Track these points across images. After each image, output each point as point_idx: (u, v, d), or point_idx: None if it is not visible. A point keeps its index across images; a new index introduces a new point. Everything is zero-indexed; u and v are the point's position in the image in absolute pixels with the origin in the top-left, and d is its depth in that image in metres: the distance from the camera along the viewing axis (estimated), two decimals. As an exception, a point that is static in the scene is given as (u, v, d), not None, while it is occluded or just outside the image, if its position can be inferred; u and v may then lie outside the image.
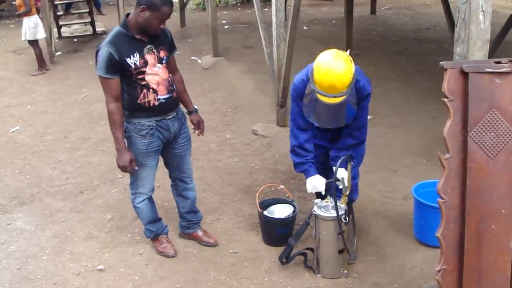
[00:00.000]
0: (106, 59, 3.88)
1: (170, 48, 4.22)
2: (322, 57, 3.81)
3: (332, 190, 4.02)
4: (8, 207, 5.42)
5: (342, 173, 4.08)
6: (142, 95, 4.02)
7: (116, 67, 3.91)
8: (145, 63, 3.99)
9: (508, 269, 3.15)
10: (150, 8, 3.84)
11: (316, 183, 4.19)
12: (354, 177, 4.28)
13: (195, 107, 4.54)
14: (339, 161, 3.99)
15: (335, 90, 3.74)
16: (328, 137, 4.31)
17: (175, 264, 4.43)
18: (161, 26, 3.97)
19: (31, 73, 10.20)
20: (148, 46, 4.01)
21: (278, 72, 6.78)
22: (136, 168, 4.13)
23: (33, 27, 9.94)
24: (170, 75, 4.19)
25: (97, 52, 3.95)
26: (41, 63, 10.24)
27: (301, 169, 4.27)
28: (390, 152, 6.26)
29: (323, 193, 4.20)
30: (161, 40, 4.12)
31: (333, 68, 3.70)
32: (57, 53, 11.34)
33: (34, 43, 10.08)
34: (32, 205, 5.45)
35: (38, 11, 10.15)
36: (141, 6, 3.86)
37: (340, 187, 4.10)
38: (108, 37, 3.98)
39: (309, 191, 4.24)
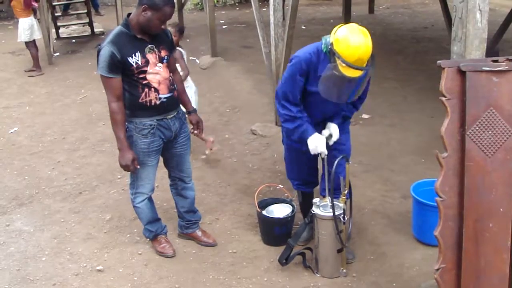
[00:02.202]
0: (108, 58, 3.88)
1: (170, 47, 4.23)
2: (348, 32, 3.75)
3: (330, 191, 4.03)
4: (7, 208, 5.42)
5: (334, 130, 4.15)
6: (143, 94, 4.03)
7: (118, 66, 3.92)
8: (147, 63, 4.00)
9: (506, 268, 3.16)
10: (152, 8, 3.85)
11: (317, 142, 4.11)
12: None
13: (194, 107, 4.55)
14: (336, 161, 3.99)
15: (363, 63, 3.76)
16: (325, 111, 4.25)
17: (174, 264, 4.43)
18: (162, 26, 3.98)
19: (27, 71, 10.20)
20: (149, 46, 4.02)
21: (276, 71, 6.78)
22: (138, 167, 4.14)
23: (27, 28, 9.93)
24: (171, 74, 4.19)
25: (98, 51, 3.95)
26: (36, 65, 10.24)
27: (298, 132, 4.15)
28: (388, 151, 6.26)
29: (326, 152, 4.14)
30: (162, 40, 4.13)
31: (364, 43, 3.71)
32: (55, 54, 11.34)
33: (30, 44, 10.08)
34: (31, 206, 5.45)
35: (34, 12, 10.13)
36: (143, 6, 3.87)
37: (331, 143, 4.15)
38: (109, 37, 3.98)
39: (312, 152, 4.16)
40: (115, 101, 3.99)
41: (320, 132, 4.18)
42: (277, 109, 4.24)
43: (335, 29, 3.84)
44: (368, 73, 3.86)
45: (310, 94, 4.08)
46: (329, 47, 3.82)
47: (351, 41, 3.70)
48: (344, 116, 4.28)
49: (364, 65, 3.77)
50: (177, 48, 5.89)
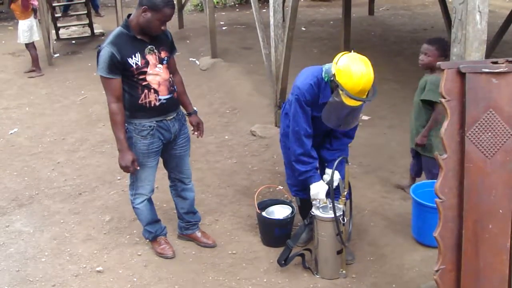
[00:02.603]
0: (108, 59, 3.89)
1: (171, 49, 4.23)
2: (350, 63, 3.76)
3: (330, 192, 4.03)
4: (6, 209, 5.42)
5: (336, 174, 4.12)
6: (143, 95, 4.03)
7: (118, 67, 3.92)
8: (147, 64, 4.00)
9: (506, 269, 3.16)
10: (152, 9, 3.86)
11: (319, 189, 4.16)
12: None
13: (194, 108, 4.55)
14: (336, 162, 4.01)
15: (365, 94, 3.80)
16: (318, 140, 4.31)
17: (173, 265, 4.43)
18: (162, 27, 3.98)
19: (26, 72, 10.22)
20: (149, 47, 4.02)
21: (276, 73, 6.79)
22: (138, 168, 4.14)
23: (26, 30, 9.94)
24: (171, 75, 4.20)
25: (98, 52, 3.96)
26: (36, 66, 10.25)
27: (305, 176, 4.20)
28: (388, 153, 6.26)
29: (324, 200, 4.18)
30: (162, 41, 4.13)
31: (366, 73, 3.73)
32: (55, 55, 11.35)
33: (29, 45, 10.09)
34: (30, 207, 5.44)
35: (34, 13, 10.14)
36: (143, 7, 3.87)
37: (334, 186, 4.12)
38: (109, 38, 3.98)
39: (312, 197, 4.22)
40: (115, 102, 4.00)
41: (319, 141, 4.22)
42: (292, 150, 4.20)
43: (336, 58, 3.86)
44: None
45: (313, 119, 4.13)
46: (331, 78, 3.84)
47: (354, 73, 3.72)
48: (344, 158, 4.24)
49: (366, 95, 3.80)
50: None
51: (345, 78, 3.74)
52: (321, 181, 4.19)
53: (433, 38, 5.01)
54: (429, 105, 4.82)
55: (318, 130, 4.18)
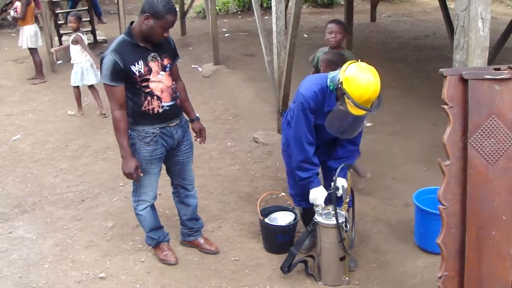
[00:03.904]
0: (111, 67, 3.90)
1: (173, 56, 4.24)
2: (359, 71, 3.75)
3: (333, 198, 4.03)
4: (9, 215, 5.42)
5: (341, 182, 4.10)
6: (146, 102, 4.04)
7: (121, 74, 3.93)
8: (149, 71, 4.01)
9: (509, 275, 3.16)
10: (154, 16, 3.87)
11: (317, 195, 4.17)
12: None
13: (197, 115, 4.56)
14: (338, 169, 4.01)
15: (370, 103, 3.79)
16: (323, 149, 4.31)
17: (176, 271, 4.43)
18: (165, 35, 3.99)
19: (30, 79, 10.26)
20: (152, 54, 4.03)
21: (279, 80, 6.79)
22: (141, 175, 4.15)
23: (33, 35, 10.05)
24: (174, 82, 4.21)
25: (101, 60, 3.97)
26: (39, 73, 10.29)
27: (305, 182, 4.21)
28: (390, 159, 6.26)
29: (323, 205, 4.19)
30: (165, 48, 4.14)
31: (374, 83, 3.72)
32: (58, 62, 11.37)
33: (34, 51, 10.14)
34: (33, 214, 5.45)
35: (36, 19, 10.20)
36: (145, 14, 3.88)
37: (339, 195, 4.12)
38: (112, 45, 4.00)
39: (311, 202, 4.22)
40: (118, 109, 4.01)
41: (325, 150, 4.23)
42: (294, 157, 4.20)
43: (344, 66, 3.85)
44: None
45: (317, 127, 4.12)
46: (338, 85, 3.83)
47: (362, 82, 3.70)
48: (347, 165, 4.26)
49: (371, 105, 3.80)
50: (78, 33, 8.22)
51: (352, 86, 3.73)
52: (321, 187, 4.19)
53: (334, 19, 5.64)
54: None
55: (322, 138, 4.18)
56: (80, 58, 8.24)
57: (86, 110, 8.63)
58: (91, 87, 8.34)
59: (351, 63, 3.85)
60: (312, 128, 4.09)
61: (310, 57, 5.63)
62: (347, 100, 3.74)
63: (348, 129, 4.00)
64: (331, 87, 3.93)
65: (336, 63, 4.90)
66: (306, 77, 4.33)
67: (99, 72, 6.58)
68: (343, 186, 4.12)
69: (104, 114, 8.14)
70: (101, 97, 8.20)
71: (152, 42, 4.03)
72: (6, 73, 10.87)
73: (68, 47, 8.53)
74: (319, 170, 4.30)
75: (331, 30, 5.28)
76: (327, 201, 4.16)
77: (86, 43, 8.39)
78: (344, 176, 4.15)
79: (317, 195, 4.16)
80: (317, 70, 5.35)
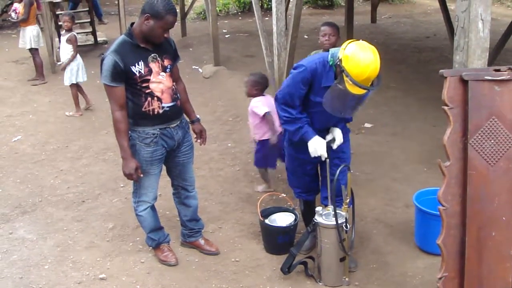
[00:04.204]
0: (111, 68, 3.91)
1: (174, 57, 4.25)
2: (358, 49, 3.71)
3: (332, 201, 4.04)
4: (10, 216, 5.42)
5: (337, 134, 4.15)
6: (146, 103, 4.04)
7: (121, 75, 3.93)
8: (150, 71, 4.01)
9: (509, 276, 3.16)
10: (154, 16, 3.87)
11: (317, 145, 4.11)
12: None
13: (198, 116, 4.56)
14: (339, 169, 4.00)
15: (369, 82, 3.74)
16: (329, 121, 4.24)
17: (176, 272, 4.43)
18: (165, 35, 3.99)
19: (30, 80, 10.28)
20: (152, 55, 4.04)
21: (279, 81, 6.79)
22: (141, 175, 4.15)
23: (36, 35, 10.10)
24: (174, 83, 4.21)
25: (102, 60, 3.98)
26: (40, 74, 10.30)
27: (299, 134, 4.15)
28: (390, 160, 6.27)
29: (325, 155, 4.14)
30: (165, 49, 4.15)
31: (374, 61, 3.68)
32: (59, 63, 11.35)
33: (36, 52, 10.16)
34: (34, 214, 5.45)
35: (37, 21, 10.23)
36: (146, 15, 3.88)
37: (335, 147, 4.16)
38: (113, 46, 4.00)
39: (312, 155, 4.15)
40: (119, 110, 4.01)
41: (323, 137, 4.19)
42: (277, 111, 4.24)
43: (344, 44, 3.81)
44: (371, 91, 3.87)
45: (314, 105, 4.07)
46: (337, 62, 3.80)
47: (361, 60, 3.66)
48: (347, 121, 4.31)
49: (370, 84, 3.75)
50: (73, 33, 8.38)
51: (351, 64, 3.68)
52: (317, 136, 4.12)
53: (327, 21, 5.60)
54: None
55: (322, 123, 4.18)
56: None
57: (86, 110, 8.63)
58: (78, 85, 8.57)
59: (351, 41, 3.82)
60: (297, 97, 4.06)
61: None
62: (345, 78, 3.70)
63: (347, 109, 3.97)
64: (331, 63, 3.90)
65: (262, 84, 5.37)
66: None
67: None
68: (338, 136, 4.16)
69: (89, 107, 8.70)
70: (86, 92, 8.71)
71: (153, 43, 4.03)
72: (7, 74, 10.88)
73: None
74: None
75: (325, 32, 5.25)
76: (328, 149, 4.14)
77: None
78: (344, 177, 4.15)
79: (316, 145, 4.11)
80: None
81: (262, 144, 5.43)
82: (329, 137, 4.19)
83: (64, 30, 8.52)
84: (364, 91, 3.75)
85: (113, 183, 6.02)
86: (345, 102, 3.89)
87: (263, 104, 5.35)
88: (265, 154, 5.47)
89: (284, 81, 4.24)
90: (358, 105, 3.93)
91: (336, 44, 5.19)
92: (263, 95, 5.48)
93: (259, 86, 5.43)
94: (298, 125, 4.11)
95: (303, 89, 4.03)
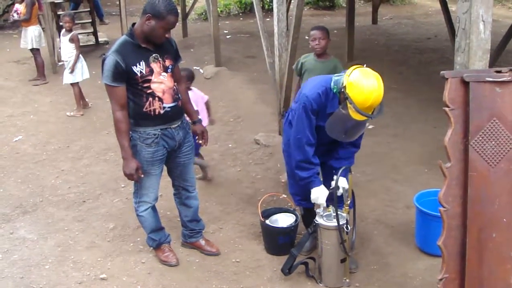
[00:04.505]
0: (112, 67, 3.91)
1: (175, 57, 4.25)
2: (363, 77, 3.75)
3: (334, 199, 4.04)
4: (11, 216, 5.43)
5: (342, 183, 4.10)
6: (147, 103, 4.04)
7: (122, 75, 3.94)
8: (151, 72, 4.01)
9: (510, 278, 3.16)
10: (155, 17, 3.87)
11: (319, 194, 4.16)
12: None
13: (199, 117, 4.56)
14: (340, 171, 4.01)
15: (372, 109, 3.80)
16: (323, 149, 4.31)
17: (177, 273, 4.43)
18: (166, 35, 4.00)
19: (31, 80, 10.29)
20: (153, 55, 4.04)
21: (280, 81, 6.80)
22: (142, 176, 4.15)
23: (37, 35, 10.11)
24: (175, 84, 4.21)
25: (103, 60, 3.98)
26: (41, 74, 10.32)
27: (305, 182, 4.20)
28: (391, 161, 6.27)
29: (324, 205, 4.18)
30: (167, 49, 4.15)
31: (377, 90, 3.73)
32: (60, 63, 11.36)
33: (37, 52, 10.18)
34: (35, 214, 5.46)
35: (39, 21, 10.25)
36: (147, 15, 3.89)
37: (339, 194, 4.11)
38: (114, 46, 4.01)
39: (312, 201, 4.23)
40: (120, 110, 4.01)
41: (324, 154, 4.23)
42: (293, 156, 4.19)
43: (348, 71, 3.85)
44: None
45: (318, 128, 4.11)
46: (341, 89, 3.83)
47: (365, 87, 3.71)
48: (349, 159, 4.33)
49: (372, 111, 3.80)
50: (75, 32, 8.60)
51: (355, 92, 3.73)
52: (322, 186, 4.18)
53: (317, 25, 5.66)
54: None
55: (323, 140, 4.18)
56: (72, 55, 8.47)
57: (86, 111, 8.64)
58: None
59: (356, 67, 3.84)
60: (313, 129, 4.08)
61: (293, 65, 5.66)
62: (349, 105, 3.76)
63: (349, 133, 4.01)
64: (335, 90, 3.93)
65: (191, 78, 5.57)
66: (308, 79, 4.34)
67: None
68: (344, 188, 4.12)
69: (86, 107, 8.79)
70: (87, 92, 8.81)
71: (154, 43, 4.03)
72: (8, 74, 10.88)
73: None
74: (319, 170, 4.30)
75: (314, 37, 5.28)
76: (328, 200, 4.15)
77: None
78: (345, 176, 4.15)
79: (319, 194, 4.16)
80: (301, 78, 5.45)
81: None
82: (333, 184, 4.13)
83: (65, 30, 8.52)
84: (366, 118, 3.81)
85: (114, 183, 6.02)
86: (347, 127, 3.95)
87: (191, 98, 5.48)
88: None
89: (294, 124, 4.17)
90: (359, 129, 4.01)
91: (326, 47, 5.32)
92: (191, 89, 5.61)
93: (188, 81, 5.53)
94: (309, 175, 4.14)
95: (314, 119, 4.07)
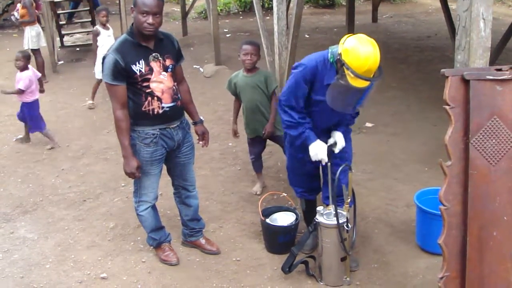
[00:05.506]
0: (112, 66, 3.91)
1: (177, 57, 4.23)
2: (358, 42, 3.73)
3: (333, 200, 4.04)
4: (11, 215, 5.43)
5: (339, 139, 4.14)
6: (146, 102, 4.04)
7: (122, 73, 3.93)
8: (150, 71, 4.01)
9: (510, 276, 3.16)
10: (134, 6, 3.90)
11: (317, 149, 4.12)
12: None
13: (201, 118, 4.55)
14: (340, 168, 4.00)
15: (371, 73, 3.74)
16: (330, 120, 4.24)
17: (177, 272, 4.43)
18: (149, 22, 3.88)
19: None
20: (153, 54, 4.03)
21: (280, 80, 6.78)
22: (140, 175, 4.15)
23: (35, 36, 10.08)
24: (175, 83, 4.20)
25: (103, 59, 3.98)
26: (41, 73, 10.30)
27: (300, 138, 4.17)
28: (392, 160, 6.26)
29: (326, 160, 4.15)
30: (168, 49, 4.13)
31: (373, 53, 3.69)
32: (60, 62, 11.38)
33: (37, 52, 10.16)
34: (35, 214, 5.46)
35: (39, 20, 10.23)
36: (131, 9, 3.90)
37: (336, 151, 4.16)
38: (114, 45, 4.01)
39: (313, 159, 4.17)
40: (120, 108, 4.01)
41: (325, 141, 4.19)
42: (280, 115, 4.24)
43: (343, 39, 3.82)
44: (374, 84, 3.85)
45: (315, 103, 4.08)
46: (337, 57, 3.80)
47: (361, 52, 3.67)
48: (348, 124, 4.30)
49: (372, 75, 3.75)
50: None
51: (352, 57, 3.69)
52: (318, 140, 4.13)
53: (249, 40, 5.66)
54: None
55: (325, 122, 4.18)
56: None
57: (87, 110, 8.63)
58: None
59: (350, 35, 3.83)
60: (300, 97, 4.06)
61: (225, 85, 5.70)
62: (346, 72, 3.70)
63: (350, 104, 3.97)
64: (332, 60, 3.90)
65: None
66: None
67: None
68: (340, 142, 4.15)
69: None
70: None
71: (147, 37, 3.98)
72: (8, 74, 10.85)
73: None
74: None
75: (246, 51, 5.31)
76: (329, 154, 4.14)
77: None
78: (346, 177, 4.15)
79: (317, 149, 4.12)
80: (238, 98, 5.60)
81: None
82: (330, 141, 4.19)
83: (102, 25, 8.68)
84: (366, 84, 3.75)
85: (114, 182, 6.02)
86: (348, 97, 3.89)
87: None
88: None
89: (285, 83, 4.22)
90: (359, 98, 3.93)
91: (256, 63, 5.38)
92: (27, 68, 7.15)
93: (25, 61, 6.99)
94: (300, 130, 4.12)
95: (305, 88, 4.04)
